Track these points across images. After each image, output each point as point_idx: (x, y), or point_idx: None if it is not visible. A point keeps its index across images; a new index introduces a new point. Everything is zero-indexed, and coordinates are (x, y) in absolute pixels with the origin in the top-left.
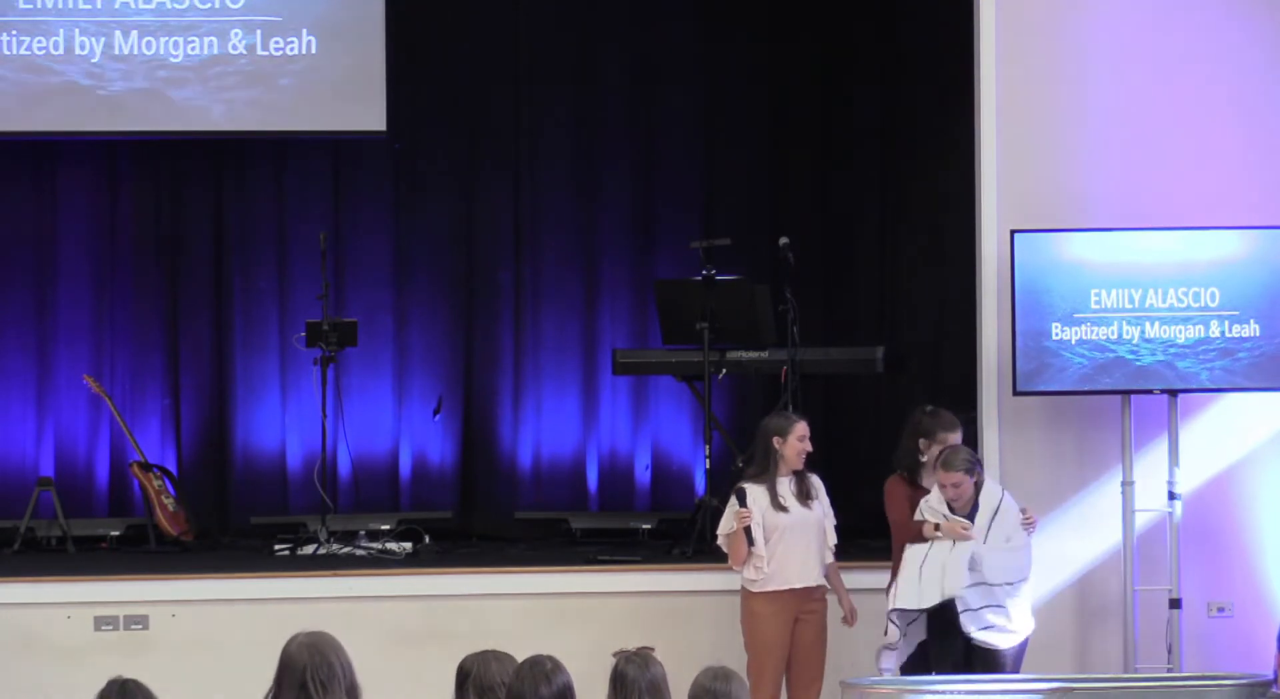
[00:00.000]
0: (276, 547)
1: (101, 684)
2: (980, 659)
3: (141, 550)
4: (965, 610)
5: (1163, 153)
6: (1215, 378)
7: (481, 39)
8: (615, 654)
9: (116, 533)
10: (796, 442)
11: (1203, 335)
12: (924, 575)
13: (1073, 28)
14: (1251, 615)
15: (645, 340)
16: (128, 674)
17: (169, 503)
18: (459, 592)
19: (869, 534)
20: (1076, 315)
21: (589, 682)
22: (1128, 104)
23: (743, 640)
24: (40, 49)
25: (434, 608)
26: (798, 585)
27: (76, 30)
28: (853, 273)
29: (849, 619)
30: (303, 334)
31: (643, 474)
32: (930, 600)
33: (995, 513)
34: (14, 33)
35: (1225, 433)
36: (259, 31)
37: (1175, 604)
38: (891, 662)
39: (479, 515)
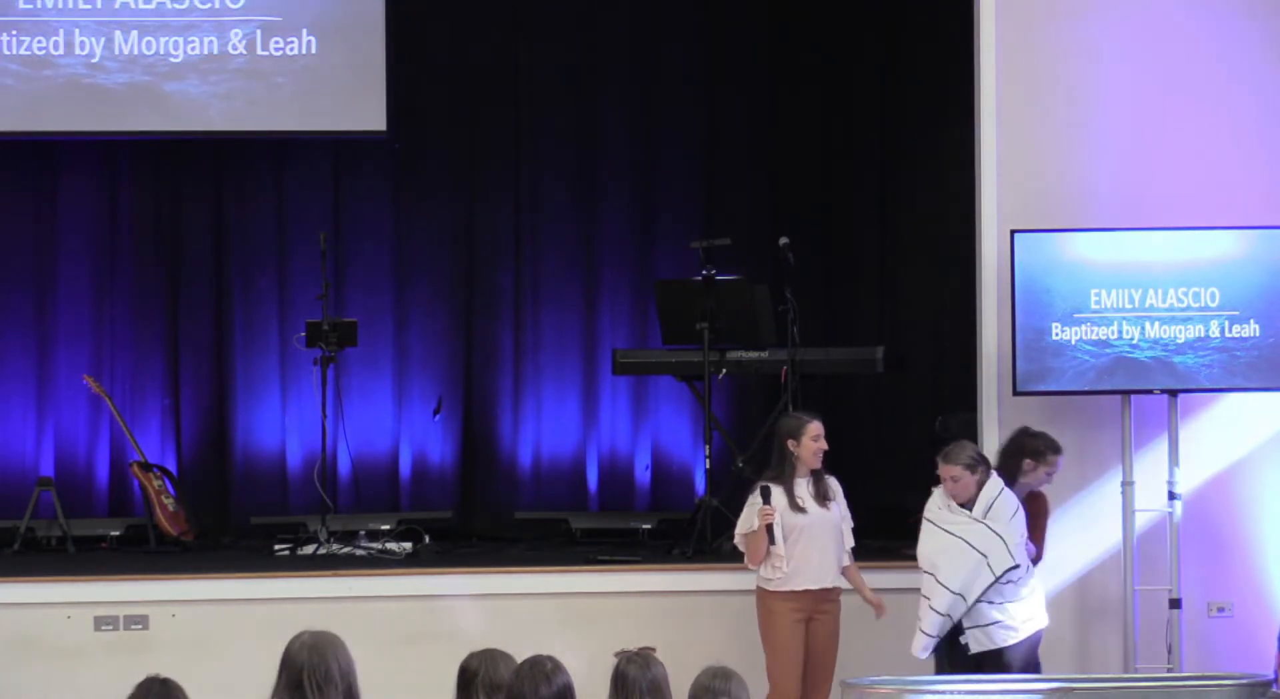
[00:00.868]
0: (276, 547)
1: (101, 684)
2: (988, 659)
3: (141, 550)
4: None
5: (1163, 153)
6: (1215, 378)
7: (482, 39)
8: (616, 654)
9: (116, 533)
10: (811, 441)
11: (1203, 335)
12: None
13: (1073, 28)
14: (1251, 615)
15: (645, 340)
16: (127, 674)
17: (169, 503)
18: (459, 592)
19: (870, 534)
20: (1076, 315)
21: (589, 682)
22: (1128, 104)
23: (760, 640)
24: (40, 49)
25: (434, 608)
26: (814, 586)
27: (77, 30)
28: (853, 273)
29: (878, 611)
30: (303, 334)
31: (643, 474)
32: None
33: (990, 506)
34: (14, 32)
35: (1225, 433)
36: (259, 31)
37: (1175, 604)
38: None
39: (479, 515)
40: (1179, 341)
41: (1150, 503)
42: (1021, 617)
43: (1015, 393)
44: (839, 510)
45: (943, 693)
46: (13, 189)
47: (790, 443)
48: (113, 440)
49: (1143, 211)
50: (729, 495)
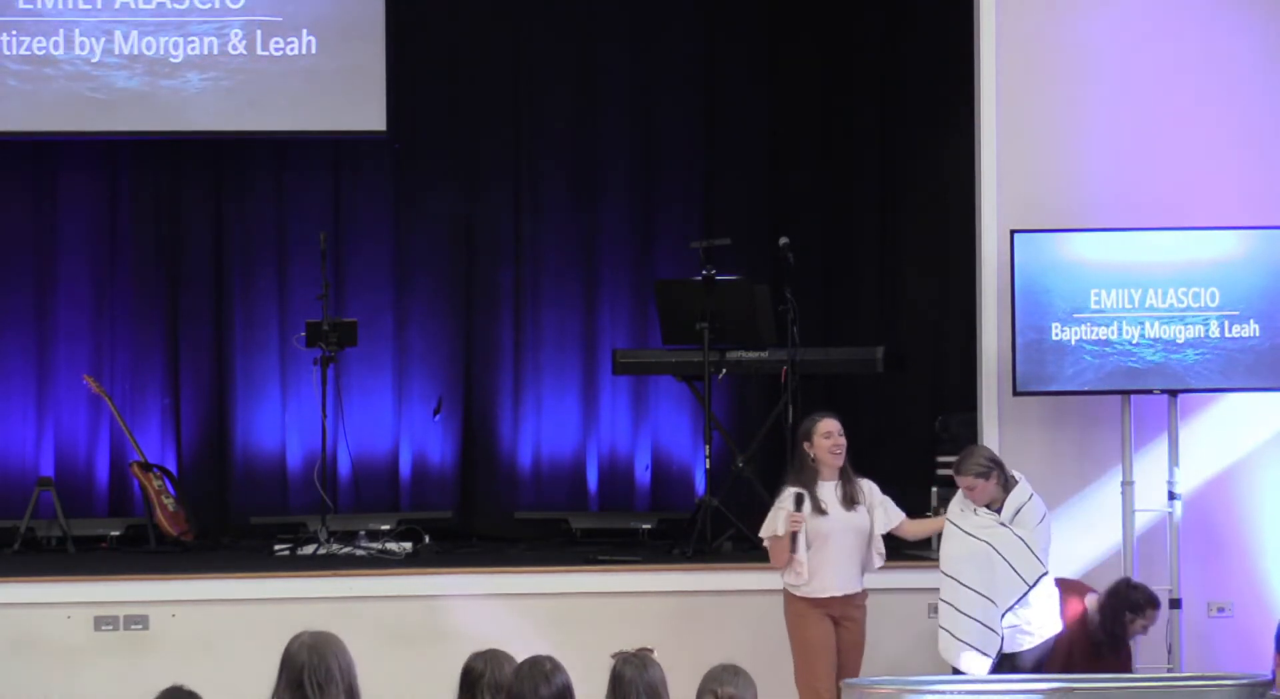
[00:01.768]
0: (276, 547)
1: (101, 684)
2: (1003, 663)
3: (141, 550)
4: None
5: (1163, 153)
6: (1215, 378)
7: (482, 38)
8: (614, 655)
9: (116, 533)
10: (823, 440)
11: (1202, 335)
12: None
13: (1072, 29)
14: (1251, 615)
15: (645, 340)
16: (127, 674)
17: (169, 503)
18: (459, 592)
19: None
20: (1076, 315)
21: (589, 682)
22: (1127, 104)
23: (789, 644)
24: (40, 49)
25: (434, 608)
26: (836, 593)
27: (77, 30)
28: (853, 273)
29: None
30: (303, 334)
31: (643, 474)
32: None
33: (1018, 510)
34: (14, 32)
35: (1225, 433)
36: (259, 31)
37: (1175, 604)
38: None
39: (479, 515)
40: (1179, 342)
41: (1150, 503)
42: (1037, 622)
43: (1015, 393)
44: (868, 514)
45: (943, 693)
46: (13, 189)
47: (806, 445)
48: (113, 440)
49: (1143, 211)
50: (729, 495)
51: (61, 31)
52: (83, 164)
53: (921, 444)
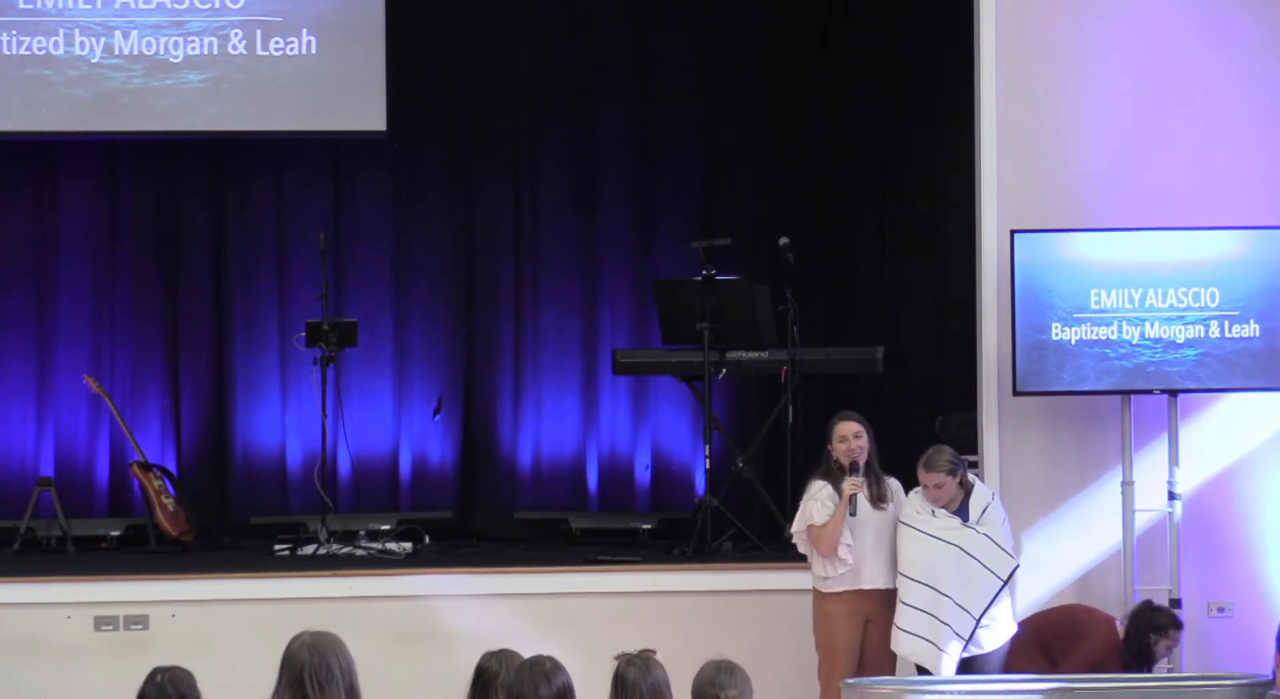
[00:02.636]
0: (276, 547)
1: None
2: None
3: (141, 550)
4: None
5: (1163, 153)
6: (1215, 378)
7: (482, 39)
8: (617, 657)
9: (116, 533)
10: (838, 443)
11: (1202, 335)
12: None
13: (1072, 28)
14: (1251, 615)
15: (645, 340)
16: (127, 674)
17: (169, 503)
18: (459, 592)
19: None
20: (1076, 315)
21: (589, 682)
22: (1128, 104)
23: (814, 642)
24: (40, 49)
25: (434, 608)
26: (866, 586)
27: (76, 30)
28: (853, 273)
29: None
30: (303, 334)
31: (643, 474)
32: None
33: (984, 511)
34: (14, 33)
35: (1225, 433)
36: (259, 31)
37: (1175, 604)
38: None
39: (479, 515)
40: (1179, 342)
41: (1150, 503)
42: (1001, 618)
43: (1015, 393)
44: (896, 512)
45: (943, 693)
46: (13, 189)
47: (829, 447)
48: (113, 440)
49: (1143, 211)
50: (729, 495)
51: (61, 31)
52: (82, 164)
53: (921, 444)
